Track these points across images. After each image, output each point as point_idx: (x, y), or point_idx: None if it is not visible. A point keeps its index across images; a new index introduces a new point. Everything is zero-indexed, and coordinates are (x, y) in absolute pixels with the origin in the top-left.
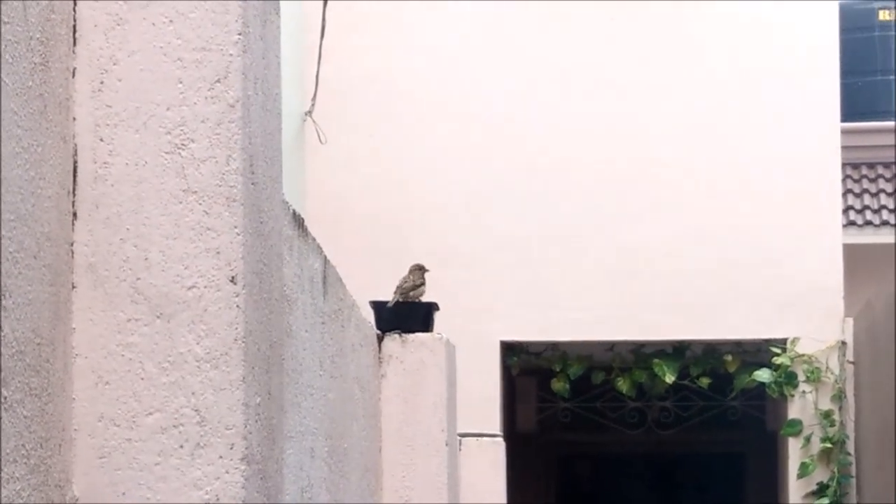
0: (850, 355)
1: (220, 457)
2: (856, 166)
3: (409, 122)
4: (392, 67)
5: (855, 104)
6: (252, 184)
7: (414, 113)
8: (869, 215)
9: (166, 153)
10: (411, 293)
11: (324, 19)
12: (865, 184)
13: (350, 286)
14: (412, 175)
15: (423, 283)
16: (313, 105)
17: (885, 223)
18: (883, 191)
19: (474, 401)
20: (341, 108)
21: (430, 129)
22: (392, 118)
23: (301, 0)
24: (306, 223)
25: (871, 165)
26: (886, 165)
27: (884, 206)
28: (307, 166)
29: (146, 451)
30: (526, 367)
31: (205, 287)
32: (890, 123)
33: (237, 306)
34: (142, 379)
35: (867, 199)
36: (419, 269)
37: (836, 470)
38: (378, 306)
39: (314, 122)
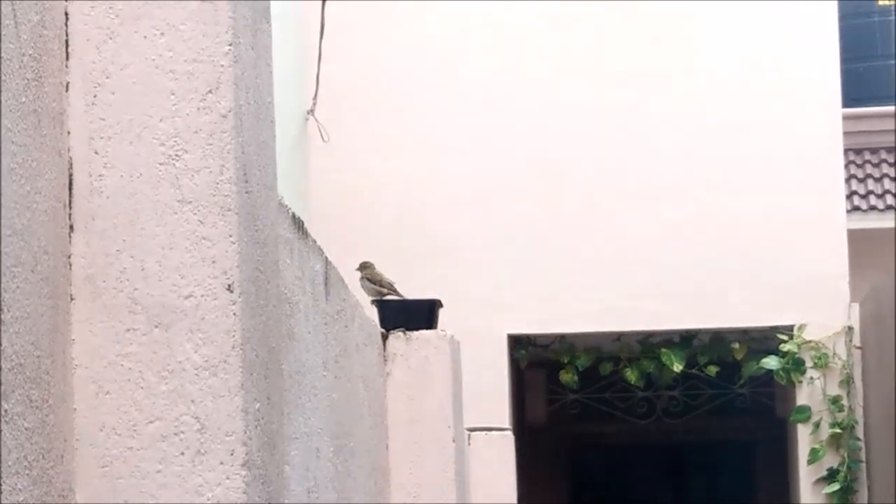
0: (856, 340)
1: (221, 463)
2: (858, 151)
3: (412, 119)
4: (393, 64)
5: (856, 89)
6: (246, 192)
7: (416, 109)
8: (873, 200)
9: (160, 164)
10: (381, 289)
11: (323, 18)
12: (868, 169)
13: (356, 283)
14: (415, 171)
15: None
16: (315, 104)
17: (889, 208)
18: (886, 175)
19: (483, 395)
20: (343, 106)
21: (433, 125)
22: (394, 115)
23: (301, 0)
24: (308, 223)
25: (874, 150)
26: (889, 150)
27: (887, 191)
28: (310, 165)
29: (147, 460)
30: (534, 360)
31: (202, 296)
32: (891, 108)
33: (234, 314)
34: (141, 388)
35: (870, 184)
36: (365, 267)
37: (845, 455)
38: (382, 305)
39: (316, 120)
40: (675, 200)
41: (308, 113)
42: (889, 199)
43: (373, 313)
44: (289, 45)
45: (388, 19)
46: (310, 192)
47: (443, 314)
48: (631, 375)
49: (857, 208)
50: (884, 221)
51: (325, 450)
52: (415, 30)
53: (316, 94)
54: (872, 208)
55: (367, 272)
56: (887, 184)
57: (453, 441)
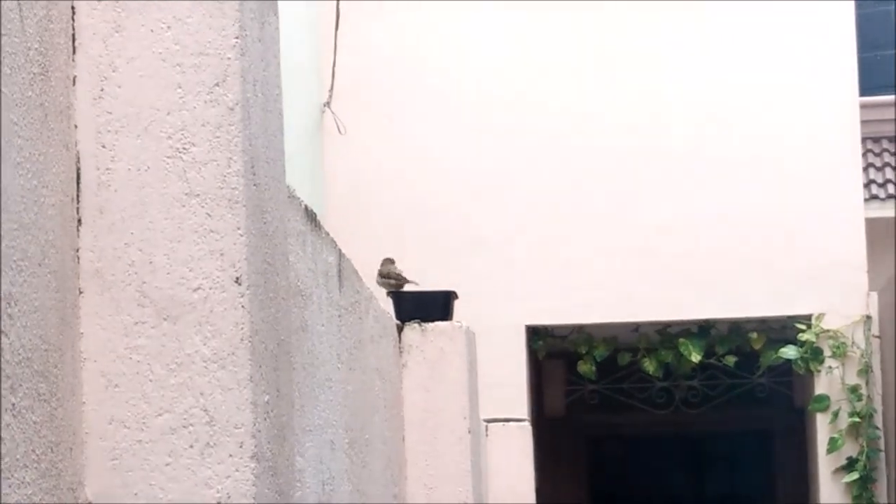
0: (875, 329)
1: (230, 455)
2: (877, 140)
3: (428, 109)
4: (409, 55)
5: (874, 78)
6: (254, 185)
7: (432, 100)
8: (891, 189)
9: (168, 157)
10: (389, 281)
11: (338, 10)
12: (887, 157)
13: (372, 274)
14: (432, 162)
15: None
16: (331, 96)
17: None
18: None
19: (501, 386)
20: (360, 97)
21: (449, 116)
22: (411, 106)
23: None
24: (325, 215)
25: (892, 139)
26: None
27: None
28: (327, 157)
29: (157, 452)
30: (552, 351)
31: (210, 288)
32: None
33: (242, 306)
34: (150, 381)
35: (889, 173)
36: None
37: (864, 444)
38: (397, 297)
39: (333, 113)
40: (692, 190)
41: (324, 105)
42: None
43: (389, 306)
44: (304, 38)
45: (404, 10)
46: (326, 184)
47: (460, 306)
48: (649, 366)
49: (874, 197)
50: None
51: (339, 442)
52: (430, 20)
53: (332, 87)
54: (890, 197)
55: (382, 268)
56: None
57: (469, 432)
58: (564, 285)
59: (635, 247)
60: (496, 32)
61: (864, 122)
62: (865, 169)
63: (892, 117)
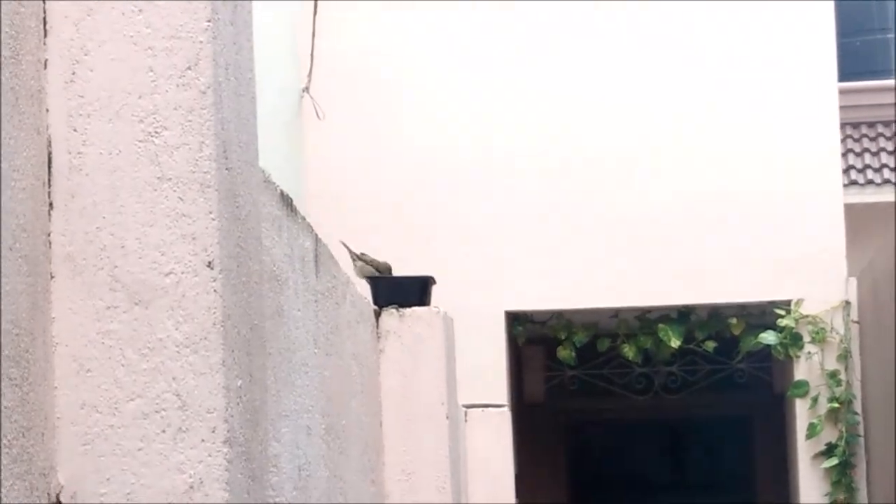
0: (854, 315)
1: (203, 440)
2: (856, 125)
3: (408, 95)
4: (389, 39)
5: (854, 63)
6: (226, 169)
7: (412, 86)
8: (870, 174)
9: (139, 141)
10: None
11: None
12: (866, 143)
13: (349, 260)
14: (412, 148)
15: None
16: (310, 81)
17: (886, 182)
18: (884, 149)
19: (481, 372)
20: (340, 82)
21: (430, 103)
22: (390, 90)
23: None
24: (305, 200)
25: (871, 124)
26: (886, 124)
27: (885, 165)
28: (306, 142)
29: (129, 437)
30: (532, 337)
31: (182, 273)
32: (889, 82)
33: (215, 291)
34: (122, 366)
35: (868, 159)
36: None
37: (843, 429)
38: (374, 282)
39: (311, 98)
40: (671, 176)
41: (303, 90)
42: (886, 173)
43: (366, 291)
44: (283, 23)
45: None
46: (306, 169)
47: (440, 291)
48: (629, 351)
49: (854, 182)
50: (881, 195)
51: (316, 427)
52: (409, 4)
53: (311, 72)
54: (870, 182)
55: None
56: (885, 158)
57: (447, 418)
58: (544, 271)
59: (614, 233)
60: (475, 17)
61: (843, 108)
62: (845, 154)
63: (873, 102)
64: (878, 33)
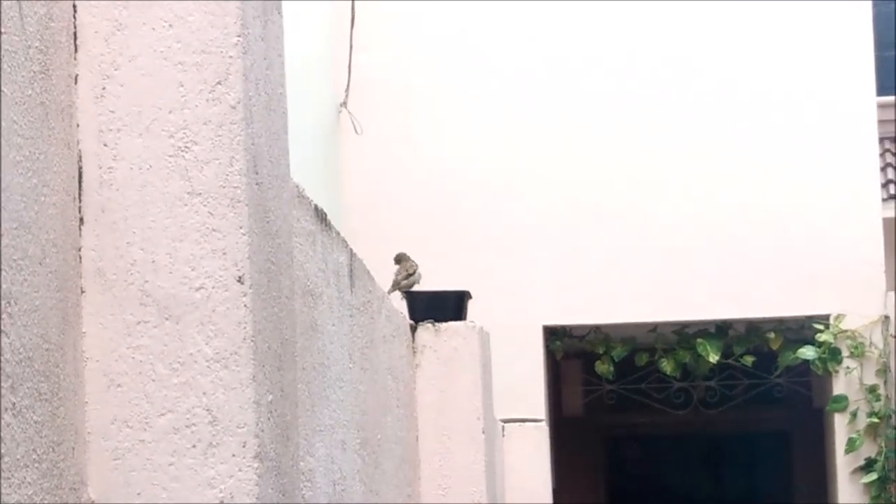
0: (892, 329)
1: (233, 455)
2: (894, 140)
3: (444, 108)
4: (424, 54)
5: (892, 77)
6: (257, 184)
7: (449, 98)
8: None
9: (170, 156)
10: (403, 283)
11: (353, 9)
12: (889, 158)
13: (389, 273)
14: (449, 161)
15: (414, 272)
16: (347, 95)
17: None
18: None
19: (519, 386)
20: (376, 97)
21: (465, 115)
22: (426, 104)
23: None
24: (342, 214)
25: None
26: None
27: None
28: (343, 157)
29: (159, 452)
30: (569, 351)
31: (212, 288)
32: None
33: (245, 305)
34: (153, 380)
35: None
36: (405, 259)
37: (882, 444)
38: (410, 296)
39: (349, 112)
40: (710, 190)
41: (341, 105)
42: None
43: (402, 306)
44: (320, 38)
45: (419, 8)
46: (343, 183)
47: (477, 306)
48: (667, 366)
49: (893, 197)
50: None
51: (351, 442)
52: (446, 18)
53: (348, 86)
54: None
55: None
56: None
57: (483, 432)
58: (582, 285)
59: (653, 247)
60: (513, 31)
61: (881, 122)
62: (883, 168)
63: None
64: None
